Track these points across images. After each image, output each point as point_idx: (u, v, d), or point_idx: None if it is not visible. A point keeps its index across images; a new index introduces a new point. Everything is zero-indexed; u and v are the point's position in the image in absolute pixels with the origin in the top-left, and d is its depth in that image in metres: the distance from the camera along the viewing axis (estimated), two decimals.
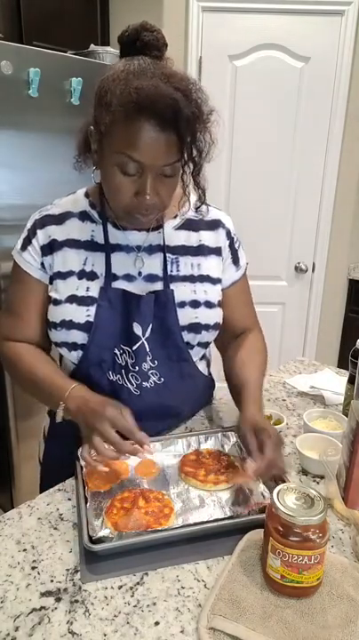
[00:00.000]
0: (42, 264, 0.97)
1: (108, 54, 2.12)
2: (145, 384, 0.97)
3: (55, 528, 0.80)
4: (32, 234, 0.98)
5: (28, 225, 0.99)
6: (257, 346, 1.10)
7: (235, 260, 1.06)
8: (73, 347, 0.96)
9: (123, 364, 0.96)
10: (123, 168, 0.81)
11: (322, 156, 2.57)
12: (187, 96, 0.78)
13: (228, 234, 1.04)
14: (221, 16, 2.38)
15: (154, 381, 0.97)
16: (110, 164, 0.82)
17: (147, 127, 0.77)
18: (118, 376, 0.97)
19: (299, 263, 2.73)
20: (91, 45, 2.15)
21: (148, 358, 0.96)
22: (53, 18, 2.36)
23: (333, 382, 1.33)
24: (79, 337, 0.94)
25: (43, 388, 0.95)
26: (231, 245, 1.04)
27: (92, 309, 0.94)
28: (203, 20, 2.39)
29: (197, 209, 0.99)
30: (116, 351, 0.96)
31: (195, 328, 0.97)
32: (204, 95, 0.82)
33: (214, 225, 1.02)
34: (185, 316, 0.96)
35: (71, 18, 2.44)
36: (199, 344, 0.99)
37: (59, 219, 0.97)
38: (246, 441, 0.86)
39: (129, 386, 0.97)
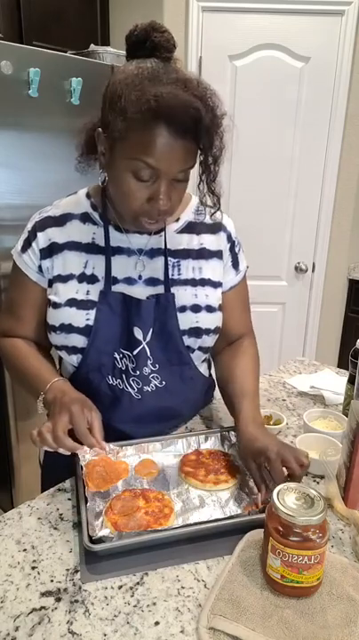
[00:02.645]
0: (39, 267, 0.97)
1: (108, 54, 2.12)
2: (146, 388, 0.97)
3: (55, 528, 0.80)
4: (32, 236, 0.97)
5: (29, 226, 0.98)
6: (252, 353, 1.08)
7: (235, 264, 1.05)
8: (72, 350, 0.95)
9: (124, 368, 0.96)
10: (137, 174, 0.80)
11: (322, 156, 2.57)
12: (205, 103, 0.77)
13: (229, 237, 1.03)
14: (221, 16, 2.38)
15: (155, 385, 0.97)
16: (123, 169, 0.81)
17: (165, 134, 0.76)
18: (118, 380, 0.97)
19: (299, 263, 2.73)
20: (91, 45, 2.15)
21: (149, 362, 0.96)
22: (53, 18, 2.36)
23: (333, 382, 1.33)
24: (79, 341, 0.94)
25: (29, 379, 0.96)
26: (231, 249, 1.03)
27: (92, 313, 0.93)
28: (203, 19, 2.39)
29: (199, 212, 0.98)
30: (116, 355, 0.96)
31: (196, 332, 0.97)
32: (219, 100, 0.82)
33: (216, 228, 1.01)
34: (186, 321, 0.96)
35: (71, 18, 2.44)
36: (200, 348, 0.99)
37: (60, 220, 0.96)
38: (249, 471, 0.85)
39: (130, 390, 0.97)
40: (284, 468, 0.80)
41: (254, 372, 1.04)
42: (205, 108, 0.77)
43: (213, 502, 0.85)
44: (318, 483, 0.94)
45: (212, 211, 0.96)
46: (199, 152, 0.82)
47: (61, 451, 0.83)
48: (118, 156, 0.82)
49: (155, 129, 0.76)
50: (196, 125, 0.76)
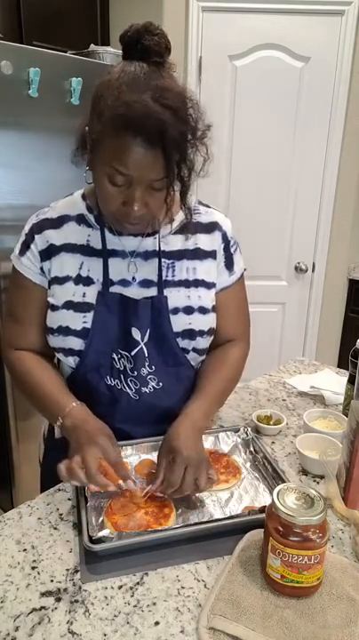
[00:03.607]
0: (41, 269, 0.96)
1: (108, 54, 2.12)
2: (144, 389, 0.97)
3: (55, 528, 0.80)
4: (30, 238, 0.96)
5: (26, 229, 0.98)
6: (231, 358, 1.04)
7: (229, 265, 1.02)
8: (69, 352, 0.95)
9: (122, 368, 0.96)
10: (111, 179, 0.80)
11: (322, 156, 2.57)
12: (177, 115, 0.75)
13: (224, 237, 1.01)
14: (221, 16, 2.38)
15: (152, 387, 0.97)
16: (100, 172, 0.81)
17: (134, 144, 0.75)
18: (116, 381, 0.97)
19: (299, 263, 2.73)
20: (91, 45, 2.15)
21: (146, 363, 0.96)
22: (53, 18, 2.36)
23: (333, 382, 1.33)
24: (76, 343, 0.94)
25: (42, 400, 0.94)
26: (226, 249, 1.01)
27: (89, 316, 0.93)
28: (203, 20, 2.39)
29: (195, 212, 0.98)
30: (114, 356, 0.95)
31: (190, 334, 0.96)
32: (200, 112, 0.80)
33: (211, 228, 1.00)
34: (179, 323, 0.95)
35: (71, 18, 2.44)
36: (195, 350, 0.98)
37: (57, 222, 0.96)
38: (158, 463, 0.86)
39: (128, 391, 0.97)
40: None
41: (223, 375, 1.01)
42: (176, 120, 0.75)
43: (213, 502, 0.85)
44: (318, 483, 0.94)
45: (197, 206, 0.97)
46: (172, 163, 0.79)
47: (92, 487, 0.82)
48: (97, 159, 0.82)
49: (126, 137, 0.75)
50: (162, 137, 0.74)
